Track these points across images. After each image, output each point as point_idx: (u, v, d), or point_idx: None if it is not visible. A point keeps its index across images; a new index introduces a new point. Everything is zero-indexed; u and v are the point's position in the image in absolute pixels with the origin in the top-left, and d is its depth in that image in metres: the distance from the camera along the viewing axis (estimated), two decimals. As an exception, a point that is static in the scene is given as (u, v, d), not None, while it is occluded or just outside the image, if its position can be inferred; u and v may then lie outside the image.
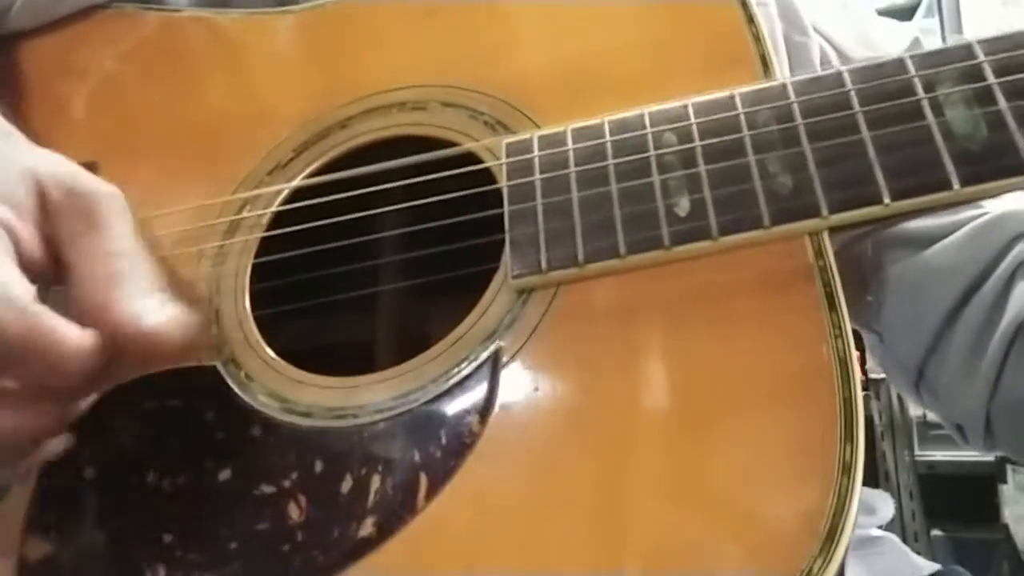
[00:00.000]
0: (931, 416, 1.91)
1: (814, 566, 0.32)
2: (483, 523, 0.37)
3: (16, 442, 0.37)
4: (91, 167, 0.43)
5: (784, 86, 0.42)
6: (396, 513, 0.38)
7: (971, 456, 1.91)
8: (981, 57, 0.40)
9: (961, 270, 0.56)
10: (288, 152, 0.52)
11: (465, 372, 0.41)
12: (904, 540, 0.75)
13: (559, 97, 0.48)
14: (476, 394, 0.40)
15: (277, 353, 0.46)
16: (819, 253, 0.39)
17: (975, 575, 0.63)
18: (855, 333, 0.38)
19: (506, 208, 0.44)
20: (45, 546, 0.42)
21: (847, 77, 0.41)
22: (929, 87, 0.40)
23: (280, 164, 0.52)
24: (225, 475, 0.42)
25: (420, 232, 0.48)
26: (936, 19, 2.11)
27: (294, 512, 0.40)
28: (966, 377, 0.56)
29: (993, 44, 0.40)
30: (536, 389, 0.40)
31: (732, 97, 0.43)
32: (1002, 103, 0.39)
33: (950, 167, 0.38)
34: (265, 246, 0.50)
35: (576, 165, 0.43)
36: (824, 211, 0.39)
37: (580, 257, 0.41)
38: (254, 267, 0.49)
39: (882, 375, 1.93)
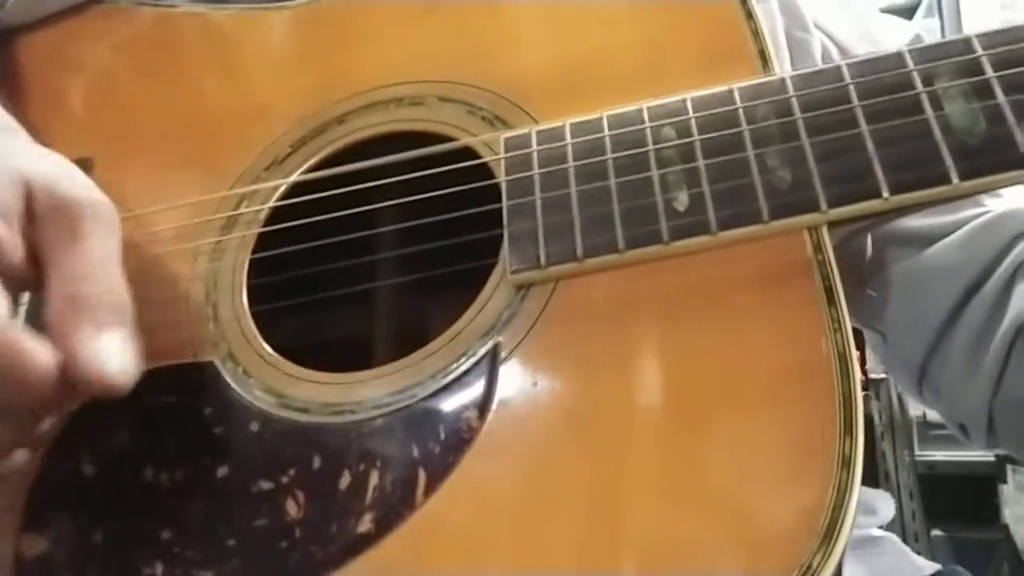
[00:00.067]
0: (931, 416, 1.92)
1: (813, 561, 0.32)
2: (482, 519, 0.37)
3: None
4: (87, 163, 0.43)
5: (783, 80, 0.42)
6: (394, 509, 0.38)
7: (971, 456, 1.91)
8: (980, 51, 0.40)
9: (962, 269, 0.56)
10: (285, 148, 0.52)
11: (463, 368, 0.41)
12: (904, 540, 0.75)
13: (557, 92, 0.48)
14: (475, 390, 0.40)
15: (274, 349, 0.46)
16: (818, 247, 0.39)
17: (975, 575, 0.63)
18: (855, 332, 0.38)
19: (504, 203, 0.44)
20: (41, 543, 0.42)
21: (846, 71, 0.41)
22: (928, 81, 0.40)
23: (277, 160, 0.52)
24: (223, 471, 0.42)
25: (418, 227, 0.48)
26: (936, 19, 2.11)
27: (292, 508, 0.40)
28: (968, 376, 0.56)
29: (992, 38, 0.40)
30: (535, 385, 0.39)
31: (731, 92, 0.43)
32: (1001, 97, 0.38)
33: (949, 161, 0.38)
34: (262, 242, 0.49)
35: (575, 160, 0.43)
36: (823, 205, 0.39)
37: (579, 252, 0.41)
38: (251, 263, 0.49)
39: (882, 375, 1.93)
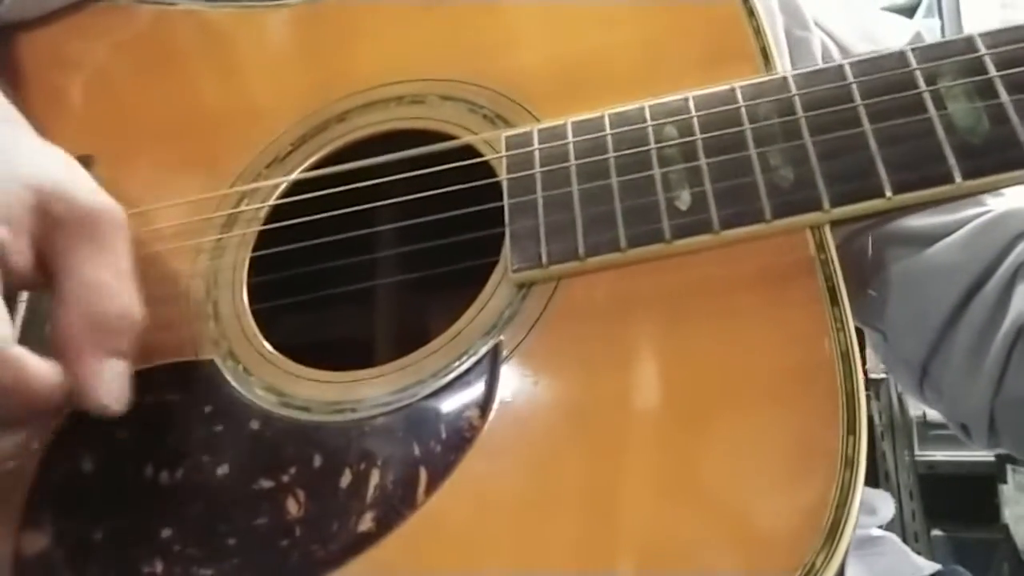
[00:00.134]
0: (931, 416, 1.91)
1: (816, 561, 0.32)
2: (482, 518, 0.37)
3: None
4: (87, 160, 0.43)
5: (785, 79, 0.42)
6: (395, 508, 0.38)
7: (971, 456, 1.90)
8: (983, 50, 0.40)
9: (964, 268, 0.56)
10: (286, 146, 0.52)
11: (465, 367, 0.41)
12: (904, 540, 0.75)
13: (559, 91, 0.48)
14: (476, 389, 0.40)
15: (275, 347, 0.45)
16: (821, 246, 0.39)
17: (975, 575, 0.63)
18: (856, 332, 0.38)
19: (506, 201, 0.43)
20: (41, 540, 0.42)
21: (848, 70, 0.41)
22: (931, 80, 0.40)
23: (278, 158, 0.52)
24: (223, 470, 0.42)
25: (419, 226, 0.47)
26: (936, 19, 2.11)
27: (292, 507, 0.39)
28: (969, 375, 0.56)
29: (995, 37, 0.40)
30: (536, 384, 0.39)
31: (733, 90, 0.42)
32: (1004, 96, 0.38)
33: (952, 160, 0.38)
34: (263, 240, 0.49)
35: (576, 158, 0.43)
36: (826, 204, 0.39)
37: (580, 251, 0.41)
38: (252, 261, 0.49)
39: (882, 375, 1.93)
